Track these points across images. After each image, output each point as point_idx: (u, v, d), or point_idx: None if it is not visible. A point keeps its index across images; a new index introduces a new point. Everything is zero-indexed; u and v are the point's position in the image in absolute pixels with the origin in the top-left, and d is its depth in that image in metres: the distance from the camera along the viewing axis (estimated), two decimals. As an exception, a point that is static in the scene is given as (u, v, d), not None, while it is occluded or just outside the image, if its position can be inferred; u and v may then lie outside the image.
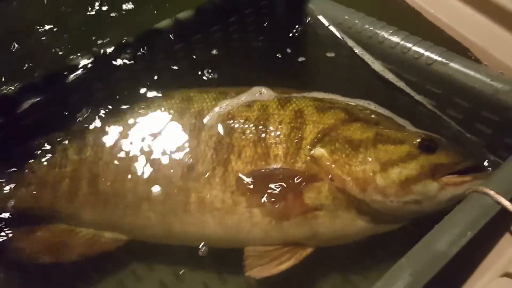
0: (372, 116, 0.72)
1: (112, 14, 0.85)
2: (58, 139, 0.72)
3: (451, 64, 0.70)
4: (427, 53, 0.73)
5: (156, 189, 0.68)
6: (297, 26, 0.89)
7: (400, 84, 0.77)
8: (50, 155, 0.71)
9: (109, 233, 0.70)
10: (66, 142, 0.72)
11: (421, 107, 0.75)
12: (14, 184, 0.69)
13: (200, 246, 0.68)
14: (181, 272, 0.71)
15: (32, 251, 0.67)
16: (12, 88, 0.71)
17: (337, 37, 0.83)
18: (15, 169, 0.69)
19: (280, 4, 0.91)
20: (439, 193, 0.64)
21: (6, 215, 0.68)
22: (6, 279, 0.67)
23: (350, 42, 0.82)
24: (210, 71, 0.85)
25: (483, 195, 0.51)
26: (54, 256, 0.68)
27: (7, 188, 0.68)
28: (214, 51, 0.87)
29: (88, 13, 0.86)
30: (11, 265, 0.67)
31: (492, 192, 0.50)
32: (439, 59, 0.71)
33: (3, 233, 0.66)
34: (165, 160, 0.69)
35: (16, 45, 0.83)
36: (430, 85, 0.73)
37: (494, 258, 0.48)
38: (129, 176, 0.68)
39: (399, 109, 0.76)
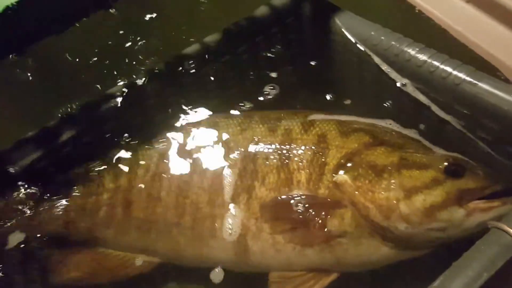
0: (397, 138, 0.71)
1: (140, 43, 0.89)
2: (95, 168, 0.77)
3: (480, 84, 0.67)
4: (455, 72, 0.70)
5: (184, 215, 0.71)
6: (323, 43, 0.88)
7: (428, 103, 0.75)
8: (88, 183, 0.75)
9: (143, 256, 0.74)
10: (103, 170, 0.76)
11: (450, 127, 0.73)
12: (55, 211, 0.74)
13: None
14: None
15: (71, 274, 0.72)
16: (53, 121, 0.77)
17: (364, 54, 0.82)
18: (56, 196, 0.75)
19: (306, 21, 0.91)
20: (466, 220, 0.62)
21: (46, 239, 0.73)
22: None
23: (377, 59, 0.81)
24: (237, 92, 0.88)
25: (503, 233, 0.50)
26: (92, 278, 0.73)
27: (47, 214, 0.74)
28: (242, 72, 0.89)
29: (116, 44, 0.90)
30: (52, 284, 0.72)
31: (512, 231, 0.49)
32: (467, 78, 0.69)
33: (43, 257, 0.72)
34: (192, 186, 0.71)
35: (54, 77, 0.88)
36: (458, 106, 0.71)
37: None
38: (160, 203, 0.72)
39: (427, 128, 0.75)
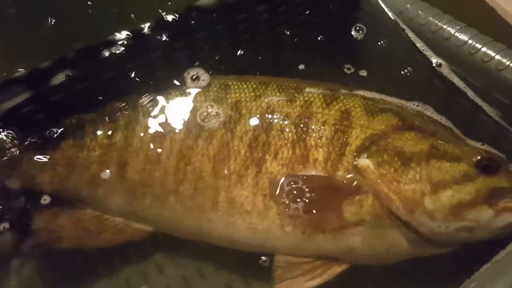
0: (428, 124, 0.65)
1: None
2: (88, 120, 0.69)
3: (526, 72, 0.61)
4: (498, 57, 0.65)
5: (185, 182, 0.64)
6: (353, 12, 0.80)
7: (464, 87, 0.69)
8: (79, 136, 0.68)
9: (135, 223, 0.67)
10: (97, 123, 0.68)
11: (485, 116, 0.67)
12: (41, 164, 0.67)
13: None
14: (204, 270, 0.68)
15: (57, 235, 0.65)
16: (46, 62, 0.68)
17: (398, 28, 0.75)
18: (43, 147, 0.67)
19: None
20: (494, 220, 0.57)
21: (32, 195, 0.66)
22: (29, 260, 0.66)
23: (411, 35, 0.74)
24: (252, 55, 0.80)
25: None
26: (78, 242, 0.67)
27: (33, 167, 0.66)
28: (259, 33, 0.81)
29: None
30: (35, 247, 0.66)
31: None
32: (512, 64, 0.63)
33: (28, 214, 0.65)
34: (196, 152, 0.64)
35: (53, 18, 0.79)
36: (497, 93, 0.65)
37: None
38: (159, 166, 0.65)
39: (459, 116, 0.68)
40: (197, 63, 0.74)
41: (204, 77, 0.72)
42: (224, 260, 0.68)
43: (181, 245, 0.69)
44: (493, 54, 0.65)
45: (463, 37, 0.68)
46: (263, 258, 0.64)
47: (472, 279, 0.45)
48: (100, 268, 0.68)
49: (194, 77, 0.71)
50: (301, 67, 0.79)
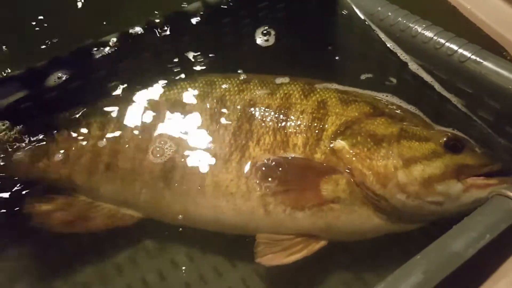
0: (398, 111, 0.70)
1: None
2: (82, 114, 0.73)
3: (485, 63, 0.67)
4: (460, 50, 0.70)
5: (172, 169, 0.68)
6: (328, 15, 0.87)
7: (431, 80, 0.74)
8: (73, 128, 0.72)
9: (125, 209, 0.71)
10: (90, 117, 0.73)
11: (451, 105, 0.73)
12: (37, 154, 0.70)
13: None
14: (192, 254, 0.71)
15: (49, 220, 0.68)
16: (41, 62, 0.73)
17: (370, 29, 0.81)
18: (39, 139, 0.71)
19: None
20: (463, 195, 0.61)
21: (27, 183, 0.69)
22: (20, 245, 0.68)
23: (382, 35, 0.80)
24: (235, 56, 0.85)
25: (506, 199, 0.49)
26: (69, 227, 0.69)
27: (29, 157, 0.70)
28: (242, 37, 0.87)
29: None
30: (27, 232, 0.69)
31: (516, 197, 0.48)
32: (473, 57, 0.68)
33: (22, 201, 0.68)
34: (183, 141, 0.69)
35: (48, 21, 0.84)
36: (461, 84, 0.70)
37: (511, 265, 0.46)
38: (148, 155, 0.69)
39: (428, 106, 0.73)
40: (185, 62, 0.80)
41: (190, 74, 0.77)
42: (211, 245, 0.71)
43: (169, 231, 0.72)
44: (455, 48, 0.70)
45: (428, 34, 0.73)
46: (247, 240, 0.67)
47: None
48: (90, 254, 0.71)
49: (180, 74, 0.76)
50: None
